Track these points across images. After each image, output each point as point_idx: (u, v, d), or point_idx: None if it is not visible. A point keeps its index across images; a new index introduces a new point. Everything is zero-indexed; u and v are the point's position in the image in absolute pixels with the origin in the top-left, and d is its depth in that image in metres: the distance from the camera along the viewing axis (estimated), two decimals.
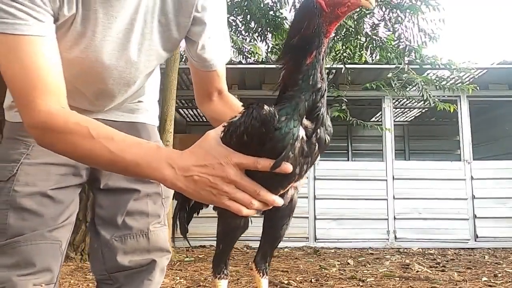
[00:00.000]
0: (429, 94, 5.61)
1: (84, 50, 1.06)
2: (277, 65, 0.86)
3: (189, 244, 1.14)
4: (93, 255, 1.31)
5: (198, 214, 1.03)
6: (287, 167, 0.80)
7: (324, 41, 0.81)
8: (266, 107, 0.80)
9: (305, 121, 0.81)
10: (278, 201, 0.85)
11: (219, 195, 0.83)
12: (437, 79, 6.41)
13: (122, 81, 1.16)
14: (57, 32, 0.99)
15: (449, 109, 5.53)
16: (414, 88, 5.86)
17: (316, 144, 0.83)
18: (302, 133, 0.81)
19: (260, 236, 0.94)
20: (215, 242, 0.93)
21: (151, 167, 0.86)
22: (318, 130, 0.83)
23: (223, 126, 0.88)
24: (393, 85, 5.72)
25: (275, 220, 0.92)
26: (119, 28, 1.06)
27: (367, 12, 5.38)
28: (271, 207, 0.86)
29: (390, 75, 5.86)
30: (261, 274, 0.93)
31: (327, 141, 0.85)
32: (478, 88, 5.80)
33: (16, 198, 1.12)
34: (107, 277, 1.27)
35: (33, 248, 1.12)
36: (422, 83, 5.57)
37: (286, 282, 3.73)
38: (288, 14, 6.60)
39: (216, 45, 1.17)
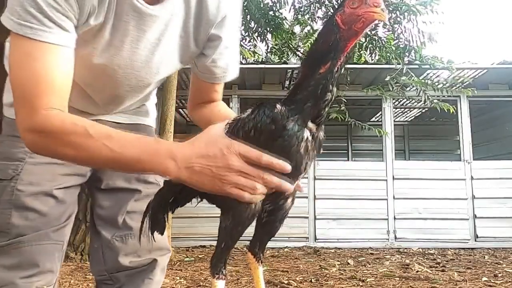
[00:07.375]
0: (428, 96, 5.61)
1: (110, 58, 1.06)
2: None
3: (153, 239, 1.02)
4: (93, 255, 1.31)
5: (173, 213, 1.02)
6: (287, 167, 0.84)
7: (341, 56, 0.86)
8: (278, 106, 0.85)
9: (310, 124, 0.87)
10: (286, 185, 0.85)
11: (222, 183, 0.82)
12: (434, 81, 6.41)
13: (137, 89, 1.18)
14: (81, 38, 0.97)
15: (448, 109, 5.53)
16: (413, 88, 5.86)
17: (314, 143, 0.90)
18: (307, 134, 0.87)
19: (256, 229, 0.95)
20: (217, 240, 0.90)
21: (153, 161, 0.85)
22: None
23: (228, 122, 0.89)
24: (391, 88, 5.72)
25: (279, 215, 0.93)
26: (147, 42, 1.07)
27: None
28: (273, 191, 0.86)
29: (388, 78, 5.84)
30: (259, 262, 0.95)
31: (323, 138, 0.92)
32: (475, 90, 5.79)
33: (19, 197, 1.11)
34: (107, 277, 1.27)
35: (37, 248, 1.11)
36: (420, 86, 5.58)
37: (286, 282, 3.72)
38: (287, 14, 6.62)
39: (227, 60, 1.18)
